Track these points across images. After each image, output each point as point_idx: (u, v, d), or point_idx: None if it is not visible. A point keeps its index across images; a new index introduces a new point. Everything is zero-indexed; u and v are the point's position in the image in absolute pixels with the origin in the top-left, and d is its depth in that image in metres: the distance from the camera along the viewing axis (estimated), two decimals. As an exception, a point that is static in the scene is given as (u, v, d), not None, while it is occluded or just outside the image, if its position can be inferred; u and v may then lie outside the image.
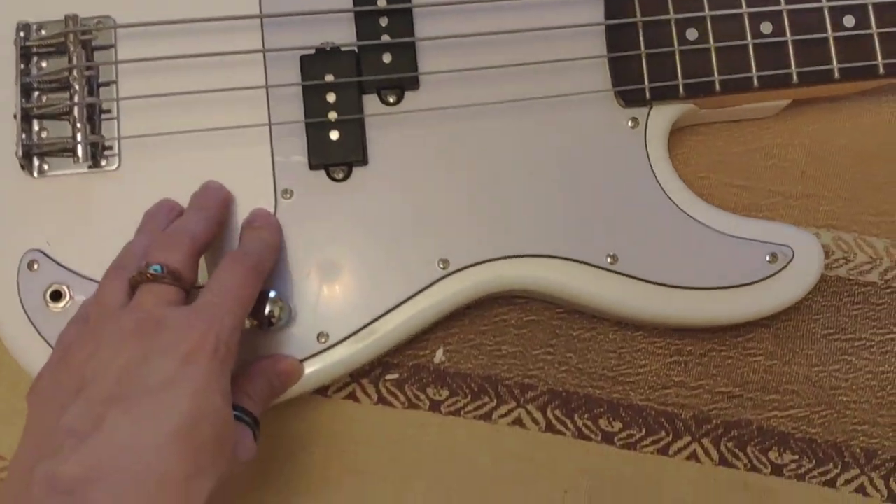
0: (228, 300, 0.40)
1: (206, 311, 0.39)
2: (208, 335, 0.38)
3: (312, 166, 0.47)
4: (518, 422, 0.49)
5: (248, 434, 0.41)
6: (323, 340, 0.46)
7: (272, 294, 0.44)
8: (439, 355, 0.50)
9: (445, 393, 0.50)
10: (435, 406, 0.50)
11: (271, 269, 0.45)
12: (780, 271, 0.45)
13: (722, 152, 0.51)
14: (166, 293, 0.40)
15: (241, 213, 0.47)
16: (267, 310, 0.44)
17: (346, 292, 0.46)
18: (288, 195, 0.47)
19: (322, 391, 0.50)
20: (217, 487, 0.37)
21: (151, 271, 0.40)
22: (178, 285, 0.41)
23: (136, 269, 0.41)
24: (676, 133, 0.52)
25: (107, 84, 0.49)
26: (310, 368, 0.46)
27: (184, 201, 0.47)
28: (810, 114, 0.51)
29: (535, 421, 0.49)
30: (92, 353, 0.39)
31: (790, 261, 0.45)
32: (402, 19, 0.47)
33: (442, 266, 0.46)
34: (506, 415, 0.50)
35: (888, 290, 0.49)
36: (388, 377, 0.50)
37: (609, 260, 0.46)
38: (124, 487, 0.35)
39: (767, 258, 0.45)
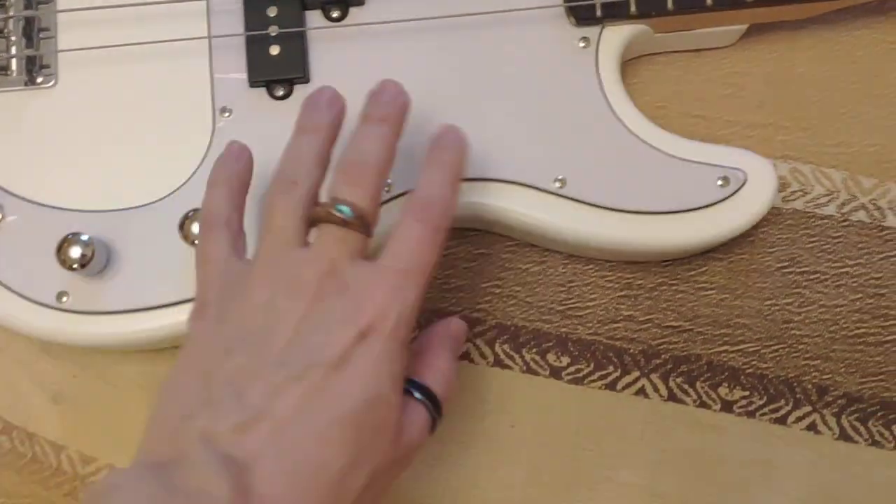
0: (413, 268, 0.36)
1: (390, 278, 0.35)
2: (390, 310, 0.35)
3: (252, 83, 0.45)
4: (466, 356, 0.48)
5: (421, 415, 0.37)
6: (260, 263, 0.44)
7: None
8: (385, 287, 0.49)
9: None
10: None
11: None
12: (732, 195, 0.44)
13: (679, 82, 0.50)
14: (353, 241, 0.36)
15: (179, 133, 0.45)
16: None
17: (285, 214, 0.44)
18: (227, 113, 0.45)
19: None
20: (371, 479, 0.34)
21: (339, 213, 0.36)
22: (365, 233, 0.36)
23: (313, 183, 0.37)
24: (633, 62, 0.50)
25: (45, 1, 0.47)
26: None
27: (121, 119, 0.45)
28: (769, 43, 0.50)
29: (482, 355, 0.48)
30: (265, 300, 0.35)
31: (742, 184, 0.44)
32: (348, -67, 0.46)
33: (385, 189, 0.45)
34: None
35: (845, 224, 0.48)
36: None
37: (557, 184, 0.44)
38: (284, 473, 0.32)
39: (719, 182, 0.44)
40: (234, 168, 0.41)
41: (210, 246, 0.39)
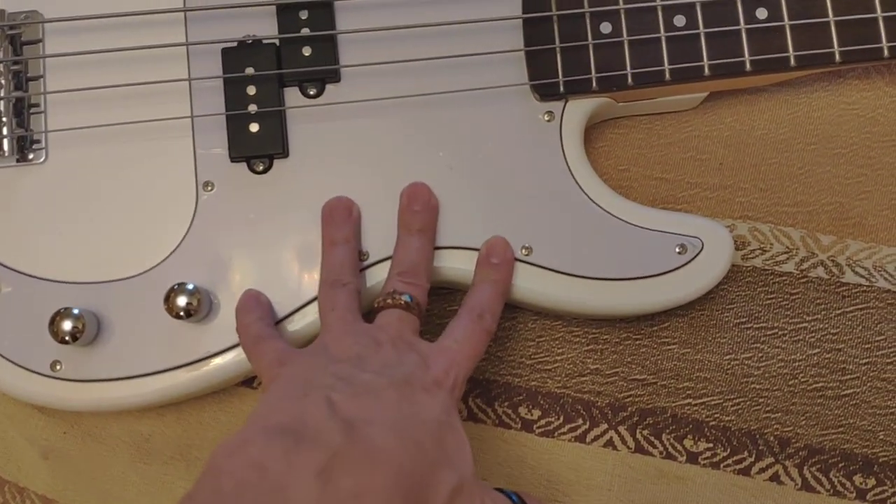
0: (466, 351, 0.43)
1: (447, 352, 0.43)
2: (450, 371, 0.42)
3: (233, 158, 0.47)
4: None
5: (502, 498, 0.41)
6: (242, 330, 0.46)
7: (190, 286, 0.45)
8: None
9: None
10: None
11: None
12: (689, 262, 0.46)
13: (642, 145, 0.52)
14: (411, 322, 0.44)
15: (165, 206, 0.47)
16: (185, 301, 0.45)
17: (267, 284, 0.47)
18: (209, 187, 0.48)
19: (248, 383, 0.51)
20: (460, 491, 0.38)
21: (404, 300, 0.44)
22: (419, 317, 0.44)
23: (357, 284, 0.45)
24: (598, 126, 0.52)
25: (35, 79, 0.49)
26: (232, 360, 0.46)
27: (109, 194, 0.48)
28: (729, 106, 0.52)
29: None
30: (352, 345, 0.41)
31: (699, 251, 0.46)
32: (323, 13, 0.48)
33: (363, 258, 0.47)
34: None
35: (803, 280, 0.50)
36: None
37: (524, 251, 0.47)
38: (393, 437, 0.37)
39: (677, 249, 0.46)
40: (258, 312, 0.46)
41: (273, 346, 0.43)
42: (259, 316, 0.45)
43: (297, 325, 0.46)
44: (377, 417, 0.37)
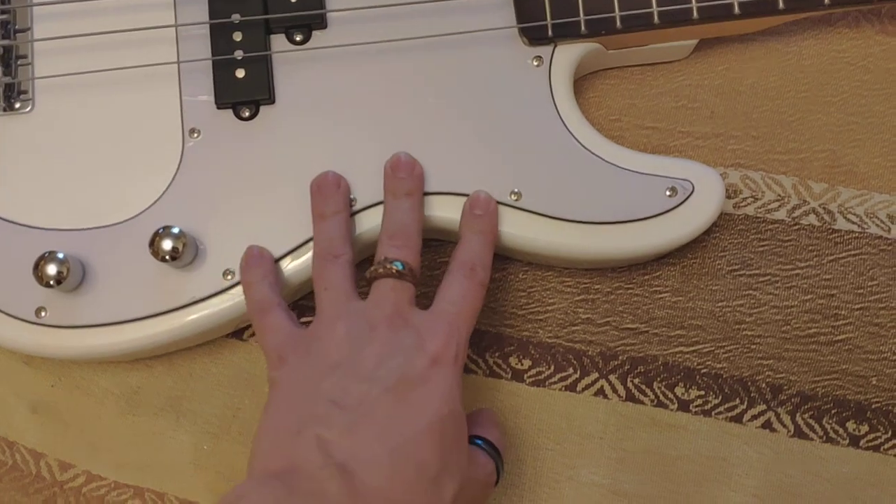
0: (464, 312, 0.43)
1: (445, 318, 0.42)
2: (450, 341, 0.41)
3: (219, 105, 0.47)
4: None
5: (486, 459, 0.43)
6: (229, 278, 0.46)
7: (175, 230, 0.45)
8: (353, 297, 0.51)
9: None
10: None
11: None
12: (679, 205, 0.46)
13: (633, 95, 0.52)
14: (406, 290, 0.43)
15: (151, 153, 0.47)
16: (170, 245, 0.44)
17: (253, 230, 0.46)
18: (195, 134, 0.47)
19: (238, 334, 0.50)
20: (462, 491, 0.39)
21: (395, 267, 0.42)
22: (414, 283, 0.43)
23: (351, 255, 0.44)
24: (590, 77, 0.52)
25: (23, 30, 0.49)
26: (217, 306, 0.46)
27: (95, 142, 0.47)
28: (720, 55, 0.52)
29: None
30: (345, 336, 0.41)
31: (690, 194, 0.46)
32: (310, -41, 0.48)
33: (350, 204, 0.47)
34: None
35: (795, 227, 0.50)
36: (304, 320, 0.50)
37: (513, 197, 0.46)
38: (389, 471, 0.37)
39: (667, 192, 0.46)
40: (261, 268, 0.45)
41: (275, 322, 0.43)
42: (263, 274, 0.45)
43: (285, 270, 0.46)
44: (371, 452, 0.37)
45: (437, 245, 0.51)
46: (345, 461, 0.37)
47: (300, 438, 0.38)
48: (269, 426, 0.40)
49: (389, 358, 0.40)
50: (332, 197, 0.46)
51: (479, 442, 0.43)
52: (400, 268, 0.43)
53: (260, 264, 0.45)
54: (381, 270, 0.43)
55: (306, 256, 0.46)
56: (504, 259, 0.50)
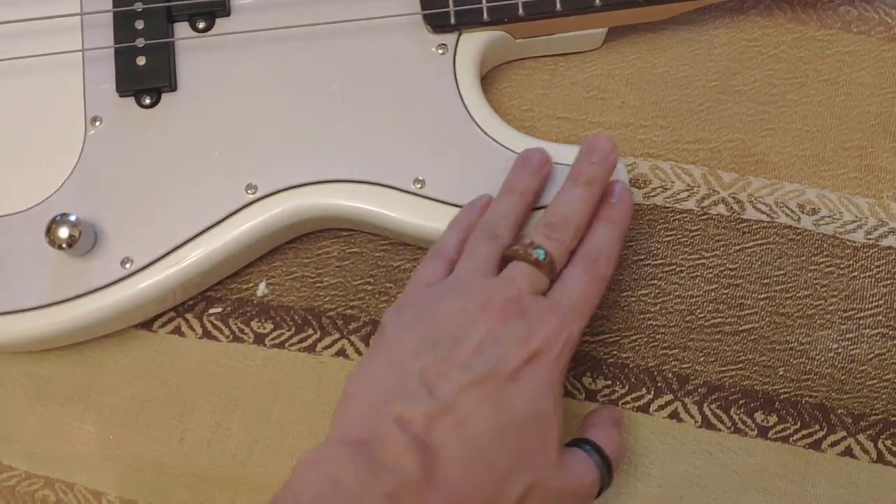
0: (580, 307, 0.42)
1: (560, 312, 0.41)
2: (558, 337, 0.40)
3: (121, 92, 0.47)
4: (342, 353, 0.49)
5: (589, 466, 0.41)
6: (127, 266, 0.46)
7: (72, 217, 0.44)
8: (262, 288, 0.50)
9: (269, 326, 0.50)
10: (259, 339, 0.50)
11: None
12: (579, 192, 0.45)
13: (546, 86, 0.51)
14: (538, 280, 0.41)
15: (53, 143, 0.47)
16: (66, 233, 0.44)
17: (153, 217, 0.46)
18: (97, 122, 0.47)
19: (147, 325, 0.50)
20: (529, 493, 0.38)
21: (536, 255, 0.41)
22: (550, 276, 0.42)
23: (510, 239, 0.43)
24: (503, 67, 0.52)
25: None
26: (116, 295, 0.46)
27: (1, 129, 0.47)
28: (631, 44, 0.52)
29: (358, 351, 0.49)
30: (458, 310, 0.40)
31: (590, 182, 0.45)
32: (213, -53, 0.48)
33: (251, 192, 0.46)
34: (329, 346, 0.50)
35: (703, 217, 0.49)
36: (212, 311, 0.50)
37: (417, 185, 0.46)
38: (462, 459, 0.37)
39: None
40: (471, 217, 0.45)
41: (429, 268, 0.44)
42: (466, 224, 0.44)
43: (175, 266, 0.46)
44: (450, 440, 0.37)
45: (347, 234, 0.50)
46: (425, 442, 0.37)
47: (382, 410, 0.38)
48: (360, 392, 0.40)
49: (489, 346, 0.39)
50: (530, 176, 0.44)
51: (587, 448, 0.42)
52: (541, 257, 0.41)
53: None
54: (520, 252, 0.41)
55: (205, 247, 0.46)
56: (416, 250, 0.50)
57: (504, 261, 0.42)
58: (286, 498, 0.37)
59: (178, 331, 0.50)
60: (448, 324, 0.40)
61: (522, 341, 0.39)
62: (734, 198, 0.50)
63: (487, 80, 0.51)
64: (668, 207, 0.50)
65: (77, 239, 0.44)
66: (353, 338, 0.49)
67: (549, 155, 0.45)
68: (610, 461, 0.42)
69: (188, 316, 0.50)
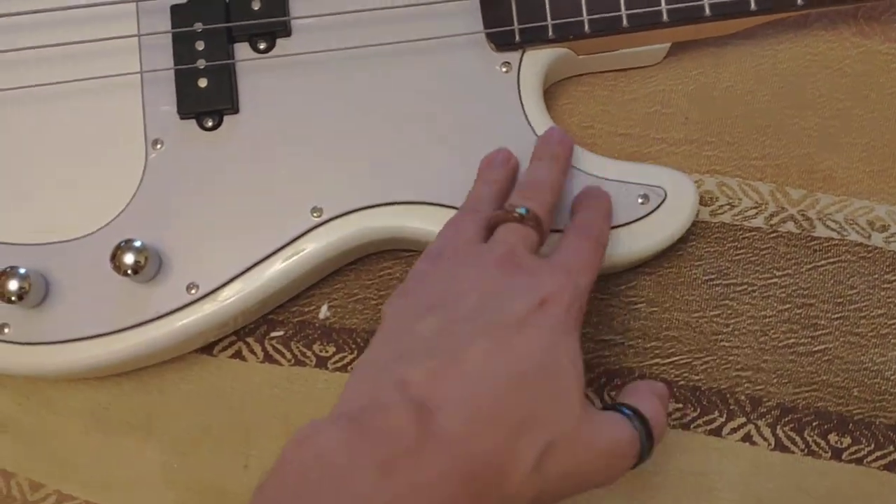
0: (583, 263, 0.40)
1: (562, 266, 0.40)
2: (566, 288, 0.38)
3: (182, 115, 0.46)
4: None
5: (626, 429, 0.38)
6: (193, 291, 0.45)
7: (137, 243, 0.44)
8: (324, 311, 0.50)
9: (332, 349, 0.49)
10: (321, 362, 0.49)
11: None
12: (652, 212, 0.45)
13: (606, 101, 0.51)
14: (527, 235, 0.40)
15: (113, 166, 0.46)
16: (132, 259, 0.43)
17: (218, 242, 0.45)
18: (158, 145, 0.46)
19: (208, 350, 0.49)
20: (551, 451, 0.35)
21: (517, 212, 0.41)
22: (538, 231, 0.41)
23: (492, 210, 0.42)
24: (562, 83, 0.51)
25: (-17, 43, 0.49)
26: (182, 321, 0.45)
27: (57, 154, 0.47)
28: (693, 59, 0.51)
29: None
30: (451, 277, 0.39)
31: (662, 201, 0.45)
32: (274, -34, 0.47)
33: (316, 214, 0.46)
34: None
35: (773, 235, 0.49)
36: (274, 334, 0.50)
37: (483, 205, 0.45)
38: (465, 415, 0.35)
39: (639, 199, 0.45)
40: (504, 172, 0.45)
41: (460, 224, 0.43)
42: (497, 178, 0.44)
43: (241, 290, 0.45)
44: (450, 394, 0.35)
45: (409, 255, 0.50)
46: (424, 401, 0.35)
47: (383, 375, 0.36)
48: (360, 365, 0.38)
49: (492, 298, 0.38)
50: (497, 167, 0.45)
51: (627, 411, 0.39)
52: (523, 212, 0.40)
53: (501, 168, 0.45)
54: (502, 214, 0.41)
55: (276, 267, 0.45)
56: (477, 270, 0.49)
57: (490, 231, 0.41)
58: (270, 483, 0.34)
59: (238, 355, 0.50)
60: (446, 290, 0.39)
61: (527, 291, 0.38)
62: (803, 215, 0.49)
63: (546, 97, 0.50)
64: (737, 225, 0.49)
65: (143, 265, 0.43)
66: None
67: (510, 152, 0.45)
68: (651, 429, 0.39)
69: (249, 340, 0.50)
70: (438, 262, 0.41)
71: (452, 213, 0.45)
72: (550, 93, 0.51)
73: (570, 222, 0.44)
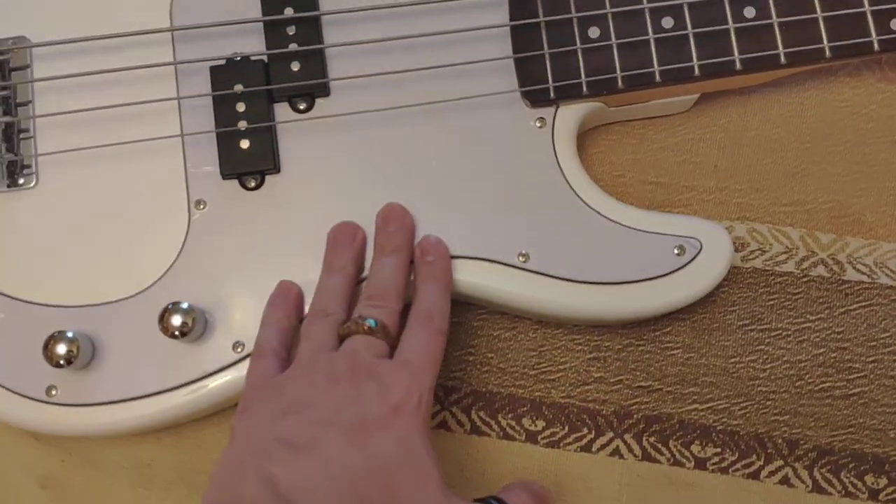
0: (426, 362, 0.43)
1: (408, 368, 0.42)
2: (412, 391, 0.41)
3: (224, 176, 0.47)
4: (443, 424, 0.49)
5: None
6: (239, 350, 0.46)
7: (185, 305, 0.44)
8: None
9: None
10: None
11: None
12: (688, 263, 0.45)
13: (636, 150, 0.52)
14: (377, 346, 0.43)
15: (157, 226, 0.47)
16: (179, 321, 0.44)
17: (262, 300, 0.46)
18: (201, 206, 0.47)
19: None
20: None
21: (367, 325, 0.43)
22: (387, 341, 0.43)
23: (343, 316, 0.44)
24: (591, 132, 0.52)
25: (24, 104, 0.49)
26: (228, 379, 0.46)
27: (100, 216, 0.48)
28: (721, 108, 0.52)
29: (459, 423, 0.49)
30: (308, 384, 0.41)
31: (698, 252, 0.45)
32: (311, 27, 0.48)
33: (360, 262, 0.46)
34: (431, 418, 0.50)
35: (804, 279, 0.49)
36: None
37: (521, 258, 0.46)
38: (328, 499, 0.37)
39: (675, 251, 0.45)
40: (285, 310, 0.46)
41: (260, 367, 0.44)
42: (278, 318, 0.45)
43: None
44: (317, 483, 0.37)
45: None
46: (287, 493, 0.37)
47: (244, 473, 0.38)
48: (217, 472, 0.39)
49: (349, 405, 0.40)
50: (343, 250, 0.46)
51: (491, 500, 0.42)
52: (372, 325, 0.43)
53: (282, 306, 0.45)
54: (352, 327, 0.43)
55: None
56: (514, 318, 0.50)
57: (340, 340, 0.43)
58: None
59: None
60: (301, 397, 0.41)
61: (381, 397, 0.40)
62: (833, 259, 0.50)
63: (577, 146, 0.51)
64: (769, 270, 0.50)
65: (191, 327, 0.44)
66: (454, 409, 0.49)
67: (357, 226, 0.46)
68: None
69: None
70: (294, 372, 0.42)
71: (495, 266, 0.46)
72: (580, 141, 0.51)
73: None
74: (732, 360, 0.48)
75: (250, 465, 0.38)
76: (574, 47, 0.47)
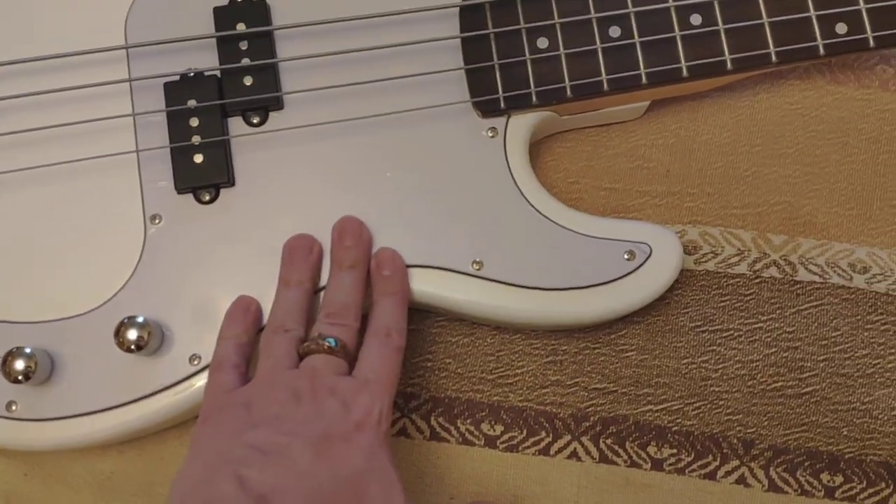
0: (385, 380, 0.44)
1: (368, 387, 0.43)
2: (373, 408, 0.42)
3: (179, 190, 0.48)
4: (403, 432, 0.50)
5: None
6: (196, 363, 0.46)
7: (140, 319, 0.45)
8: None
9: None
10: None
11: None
12: (638, 268, 0.46)
13: (590, 157, 0.52)
14: (336, 365, 0.44)
15: (113, 242, 0.47)
16: (135, 335, 0.44)
17: (219, 312, 0.46)
18: (157, 220, 0.48)
19: (211, 413, 0.50)
20: None
21: (327, 344, 0.44)
22: (347, 360, 0.44)
23: (302, 331, 0.45)
24: (545, 141, 0.53)
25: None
26: (186, 392, 0.46)
27: (57, 233, 0.48)
28: (673, 113, 0.52)
29: (419, 430, 0.50)
30: (272, 400, 0.42)
31: (648, 257, 0.46)
32: (263, 42, 0.49)
33: (317, 275, 0.47)
34: (391, 425, 0.50)
35: (757, 281, 0.50)
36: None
37: (475, 266, 0.47)
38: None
39: (625, 256, 0.46)
40: (244, 325, 0.46)
41: (219, 380, 0.45)
42: (237, 333, 0.45)
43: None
44: (289, 486, 0.38)
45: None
46: (263, 492, 0.38)
47: (217, 478, 0.38)
48: (181, 481, 0.40)
49: (314, 419, 0.41)
50: (300, 264, 0.46)
51: None
52: (332, 344, 0.43)
53: (240, 320, 0.46)
54: (312, 347, 0.44)
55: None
56: (471, 324, 0.50)
57: (301, 358, 0.44)
58: None
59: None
60: (268, 411, 0.41)
61: (343, 415, 0.41)
62: (785, 260, 0.50)
63: (531, 153, 0.51)
64: (721, 272, 0.50)
65: (146, 340, 0.44)
66: (413, 416, 0.50)
67: (313, 238, 0.47)
68: None
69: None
70: (256, 388, 0.43)
71: (447, 274, 0.47)
72: (534, 150, 0.52)
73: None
74: (685, 360, 0.49)
75: (224, 470, 0.38)
76: (523, 58, 0.47)
